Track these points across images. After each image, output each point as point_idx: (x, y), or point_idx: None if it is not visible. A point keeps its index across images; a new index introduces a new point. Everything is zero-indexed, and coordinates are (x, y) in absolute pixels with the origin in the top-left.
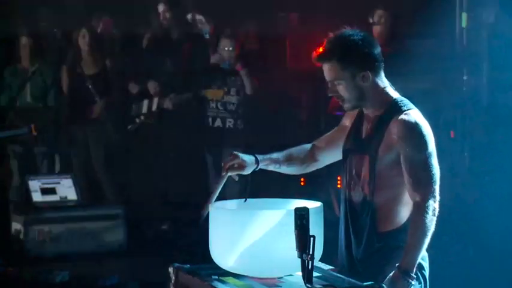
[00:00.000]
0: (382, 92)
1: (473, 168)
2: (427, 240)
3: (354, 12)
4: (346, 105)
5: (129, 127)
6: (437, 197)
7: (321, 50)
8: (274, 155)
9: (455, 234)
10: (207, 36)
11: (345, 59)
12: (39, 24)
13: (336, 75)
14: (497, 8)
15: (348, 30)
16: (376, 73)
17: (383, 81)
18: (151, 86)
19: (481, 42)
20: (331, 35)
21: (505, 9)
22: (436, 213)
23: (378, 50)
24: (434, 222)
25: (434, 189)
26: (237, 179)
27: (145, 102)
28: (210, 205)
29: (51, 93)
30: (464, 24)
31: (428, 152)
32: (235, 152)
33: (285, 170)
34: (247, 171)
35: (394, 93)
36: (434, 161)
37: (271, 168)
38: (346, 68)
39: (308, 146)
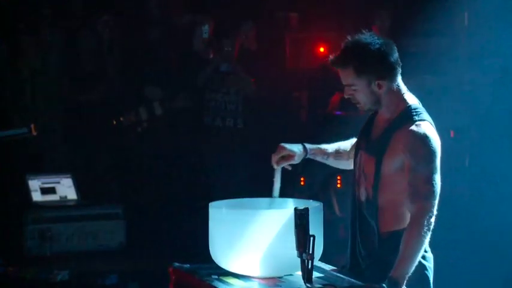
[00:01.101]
0: (398, 97)
1: (472, 168)
2: (420, 254)
3: (354, 11)
4: (362, 108)
5: (135, 134)
6: (435, 212)
7: (336, 55)
8: (323, 146)
9: (455, 234)
10: (206, 35)
11: (361, 68)
12: (42, 22)
13: (352, 81)
14: (498, 8)
15: (365, 37)
16: (391, 80)
17: (400, 87)
18: (149, 91)
19: (482, 41)
20: (348, 39)
21: (505, 9)
22: (431, 227)
23: (394, 56)
24: (428, 237)
25: (432, 204)
26: (290, 168)
27: (143, 109)
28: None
29: (53, 92)
30: (466, 23)
31: (432, 167)
32: (282, 144)
33: (332, 162)
34: (297, 161)
35: (410, 100)
36: (437, 177)
37: (318, 158)
38: (361, 75)
39: (354, 139)
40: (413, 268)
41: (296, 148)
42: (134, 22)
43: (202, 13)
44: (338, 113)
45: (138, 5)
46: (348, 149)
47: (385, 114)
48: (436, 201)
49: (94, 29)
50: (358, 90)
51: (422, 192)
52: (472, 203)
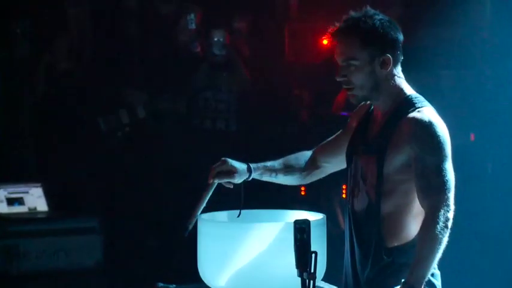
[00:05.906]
0: (397, 86)
1: (495, 175)
2: (438, 255)
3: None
4: (355, 94)
5: (115, 139)
6: (452, 207)
7: (339, 24)
8: (269, 163)
9: (475, 245)
10: (193, 26)
11: (368, 36)
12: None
13: (353, 54)
14: None
15: (371, 10)
16: (396, 62)
17: (400, 75)
18: (131, 91)
19: (506, 33)
20: (351, 12)
21: None
22: (450, 224)
23: (401, 37)
24: (447, 235)
25: (447, 197)
26: (231, 186)
27: (124, 112)
28: (195, 216)
29: (25, 92)
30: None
31: (442, 155)
32: (225, 158)
33: (283, 179)
34: (238, 180)
35: (409, 90)
36: (449, 166)
37: (265, 178)
38: (366, 47)
39: (308, 152)
40: (430, 271)
41: (239, 165)
42: (112, 14)
43: (187, 1)
44: (344, 113)
45: None
46: (302, 162)
47: (381, 108)
48: (452, 194)
49: (70, 23)
50: (357, 68)
51: (434, 185)
52: (494, 213)
